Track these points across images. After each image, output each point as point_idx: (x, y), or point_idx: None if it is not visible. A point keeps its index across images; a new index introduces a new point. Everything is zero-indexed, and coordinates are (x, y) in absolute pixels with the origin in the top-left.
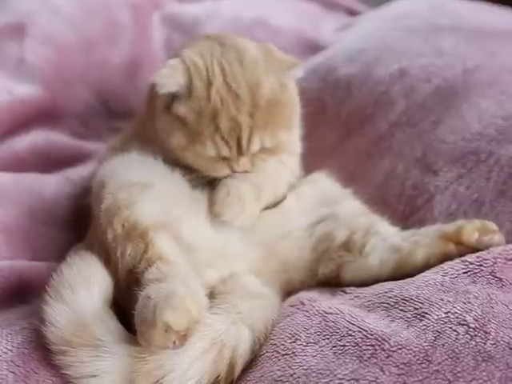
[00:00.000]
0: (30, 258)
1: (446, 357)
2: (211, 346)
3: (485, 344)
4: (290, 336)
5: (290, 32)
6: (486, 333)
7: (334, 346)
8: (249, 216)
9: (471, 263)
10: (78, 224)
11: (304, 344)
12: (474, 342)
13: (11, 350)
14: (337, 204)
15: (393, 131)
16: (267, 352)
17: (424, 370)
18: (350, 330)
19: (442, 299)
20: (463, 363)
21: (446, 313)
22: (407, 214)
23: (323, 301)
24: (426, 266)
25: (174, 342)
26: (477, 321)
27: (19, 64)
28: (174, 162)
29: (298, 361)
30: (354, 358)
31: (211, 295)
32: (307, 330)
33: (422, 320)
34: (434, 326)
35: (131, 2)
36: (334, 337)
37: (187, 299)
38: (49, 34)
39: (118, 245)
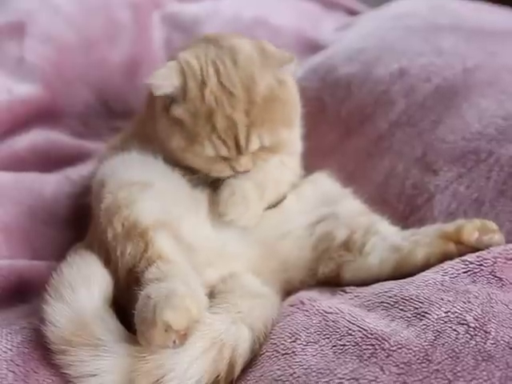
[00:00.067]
0: (29, 258)
1: (445, 356)
2: (211, 346)
3: (485, 343)
4: (289, 335)
5: (290, 31)
6: (486, 332)
7: (334, 346)
8: (253, 216)
9: (471, 263)
10: (78, 223)
11: (304, 343)
12: (473, 342)
13: (11, 350)
14: (337, 203)
15: (393, 131)
16: (267, 351)
17: (424, 369)
18: (349, 329)
19: (442, 299)
20: (463, 363)
21: (446, 312)
22: (407, 214)
23: (323, 300)
24: (426, 266)
25: (174, 342)
26: (477, 320)
27: (19, 63)
28: (174, 161)
29: (297, 360)
30: (354, 358)
31: (211, 294)
32: (307, 329)
33: (422, 319)
34: (434, 326)
35: (131, 1)
36: (333, 336)
37: (187, 299)
38: (49, 33)
39: (117, 244)
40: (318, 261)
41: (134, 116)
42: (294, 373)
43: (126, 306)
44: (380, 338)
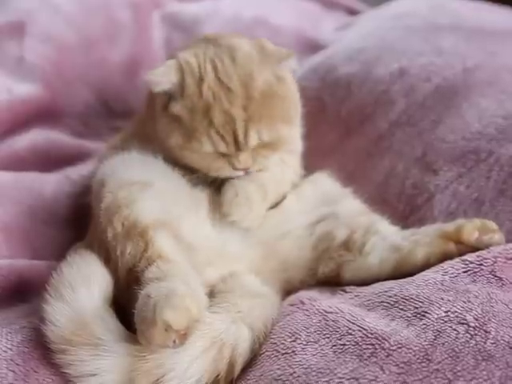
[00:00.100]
0: (29, 257)
1: (445, 356)
2: (211, 345)
3: (485, 343)
4: (289, 335)
5: (290, 31)
6: (486, 332)
7: (334, 345)
8: (256, 217)
9: (471, 262)
10: (78, 223)
11: (304, 343)
12: (473, 341)
13: (11, 349)
14: (337, 203)
15: (393, 130)
16: (267, 351)
17: (424, 369)
18: (349, 329)
19: (442, 298)
20: (463, 362)
21: (446, 312)
22: (407, 213)
23: (323, 300)
24: (426, 265)
25: (174, 341)
26: (477, 320)
27: (19, 63)
28: (173, 161)
29: (297, 360)
30: (354, 357)
31: (211, 294)
32: (307, 329)
33: (421, 319)
34: (434, 325)
35: (131, 1)
36: (333, 336)
37: (187, 298)
38: (49, 32)
39: (117, 243)
40: (318, 260)
41: (133, 116)
42: (294, 372)
43: (126, 305)
44: (380, 338)
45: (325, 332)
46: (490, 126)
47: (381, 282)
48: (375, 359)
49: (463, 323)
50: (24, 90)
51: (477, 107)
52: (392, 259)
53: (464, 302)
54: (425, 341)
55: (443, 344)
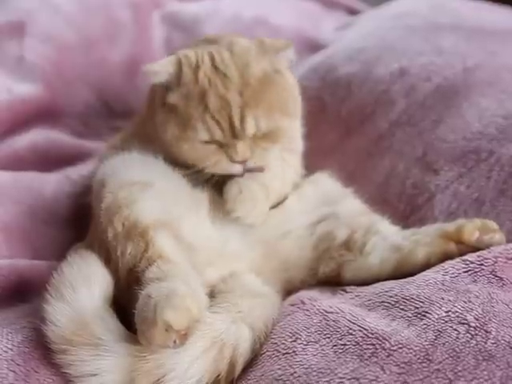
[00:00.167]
0: (30, 257)
1: (446, 356)
2: (212, 345)
3: (485, 343)
4: (290, 335)
5: (290, 31)
6: (486, 332)
7: (335, 345)
8: (260, 213)
9: (472, 262)
10: (79, 223)
11: (304, 343)
12: (474, 341)
13: (11, 349)
14: (337, 203)
15: (393, 130)
16: (268, 351)
17: (425, 369)
18: (350, 329)
19: (443, 298)
20: (464, 362)
21: (446, 312)
22: (408, 213)
23: (324, 300)
24: (427, 265)
25: (175, 342)
26: (477, 320)
27: (19, 62)
28: (174, 161)
29: (298, 360)
30: (355, 357)
31: (211, 294)
32: (308, 328)
33: (422, 319)
34: (435, 325)
35: (131, 0)
36: (334, 336)
37: (188, 298)
38: (49, 32)
39: (118, 244)
40: (319, 260)
41: (134, 116)
42: (295, 372)
43: (126, 305)
44: (381, 338)
45: (325, 332)
46: (490, 126)
47: (381, 282)
48: (376, 359)
49: (464, 323)
50: (24, 89)
51: (477, 107)
52: (393, 259)
53: (465, 302)
54: (425, 341)
55: (444, 344)
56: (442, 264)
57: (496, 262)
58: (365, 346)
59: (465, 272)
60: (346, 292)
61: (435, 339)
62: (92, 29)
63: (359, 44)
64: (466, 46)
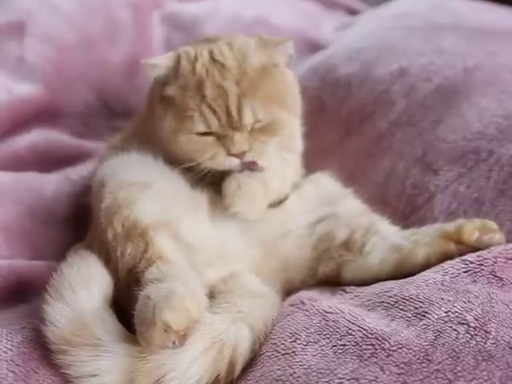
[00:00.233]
0: (29, 257)
1: (446, 356)
2: (211, 345)
3: (485, 343)
4: (290, 335)
5: (290, 31)
6: (486, 332)
7: (334, 346)
8: (258, 209)
9: (471, 262)
10: (78, 223)
11: (304, 343)
12: (474, 342)
13: (11, 349)
14: (337, 203)
15: (393, 130)
16: (267, 351)
17: (424, 369)
18: (350, 329)
19: (443, 298)
20: (463, 362)
21: (446, 312)
22: (407, 214)
23: (323, 300)
24: (427, 265)
25: (174, 342)
26: (477, 320)
27: (19, 63)
28: (171, 159)
29: (298, 360)
30: (354, 358)
31: (211, 294)
32: (307, 329)
33: (422, 319)
34: (435, 326)
35: (131, 0)
36: (334, 336)
37: (187, 299)
38: (49, 32)
39: (118, 244)
40: (319, 260)
41: (133, 116)
42: (294, 373)
43: (126, 306)
44: (380, 338)
45: (325, 332)
46: (490, 126)
47: (381, 282)
48: (375, 359)
49: (463, 323)
50: (24, 90)
51: (477, 107)
52: (392, 259)
53: (464, 302)
54: (425, 341)
55: (443, 344)
56: (442, 264)
57: (496, 262)
58: (364, 347)
59: (464, 272)
60: (346, 292)
61: (435, 339)
62: (92, 29)
63: (359, 44)
64: (465, 46)
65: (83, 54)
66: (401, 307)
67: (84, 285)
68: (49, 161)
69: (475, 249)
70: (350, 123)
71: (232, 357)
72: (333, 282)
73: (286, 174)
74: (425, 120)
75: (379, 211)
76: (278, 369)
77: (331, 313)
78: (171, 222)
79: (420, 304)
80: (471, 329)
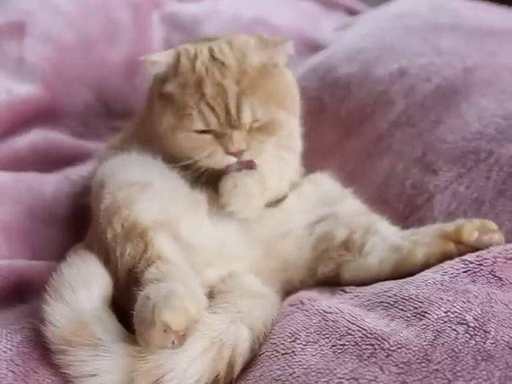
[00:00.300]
0: (29, 257)
1: (445, 356)
2: (211, 345)
3: (484, 343)
4: (289, 335)
5: (290, 31)
6: (485, 332)
7: (334, 346)
8: (254, 208)
9: (471, 262)
10: (78, 223)
11: (303, 343)
12: (473, 342)
13: (11, 349)
14: (337, 203)
15: (392, 131)
16: (267, 351)
17: (424, 369)
18: (349, 329)
19: (442, 298)
20: (463, 362)
21: (445, 312)
22: (407, 214)
23: (323, 300)
24: (426, 266)
25: (173, 342)
26: (476, 320)
27: (19, 63)
28: (170, 158)
29: (297, 360)
30: (354, 357)
31: (210, 294)
32: (307, 329)
33: (421, 319)
34: (434, 326)
35: (131, 1)
36: (333, 336)
37: (186, 299)
38: (48, 33)
39: (117, 244)
40: (318, 260)
41: (133, 116)
42: (294, 372)
43: (125, 306)
44: (380, 338)
45: (324, 332)
46: (489, 126)
47: (380, 282)
48: (375, 359)
49: (463, 323)
50: (24, 90)
51: (477, 107)
52: (392, 259)
53: (464, 302)
54: (424, 341)
55: (443, 344)
56: (441, 264)
57: (495, 262)
58: (364, 346)
59: (464, 272)
60: (345, 292)
61: (434, 339)
62: (91, 29)
63: (359, 44)
64: (465, 46)
65: (83, 54)
66: (400, 307)
67: (83, 285)
68: (49, 161)
69: (475, 249)
70: (349, 123)
71: (231, 357)
72: (332, 282)
73: (283, 173)
74: (424, 120)
75: (379, 211)
76: (278, 369)
77: (331, 313)
78: (171, 222)
79: (419, 304)
80: (470, 329)
